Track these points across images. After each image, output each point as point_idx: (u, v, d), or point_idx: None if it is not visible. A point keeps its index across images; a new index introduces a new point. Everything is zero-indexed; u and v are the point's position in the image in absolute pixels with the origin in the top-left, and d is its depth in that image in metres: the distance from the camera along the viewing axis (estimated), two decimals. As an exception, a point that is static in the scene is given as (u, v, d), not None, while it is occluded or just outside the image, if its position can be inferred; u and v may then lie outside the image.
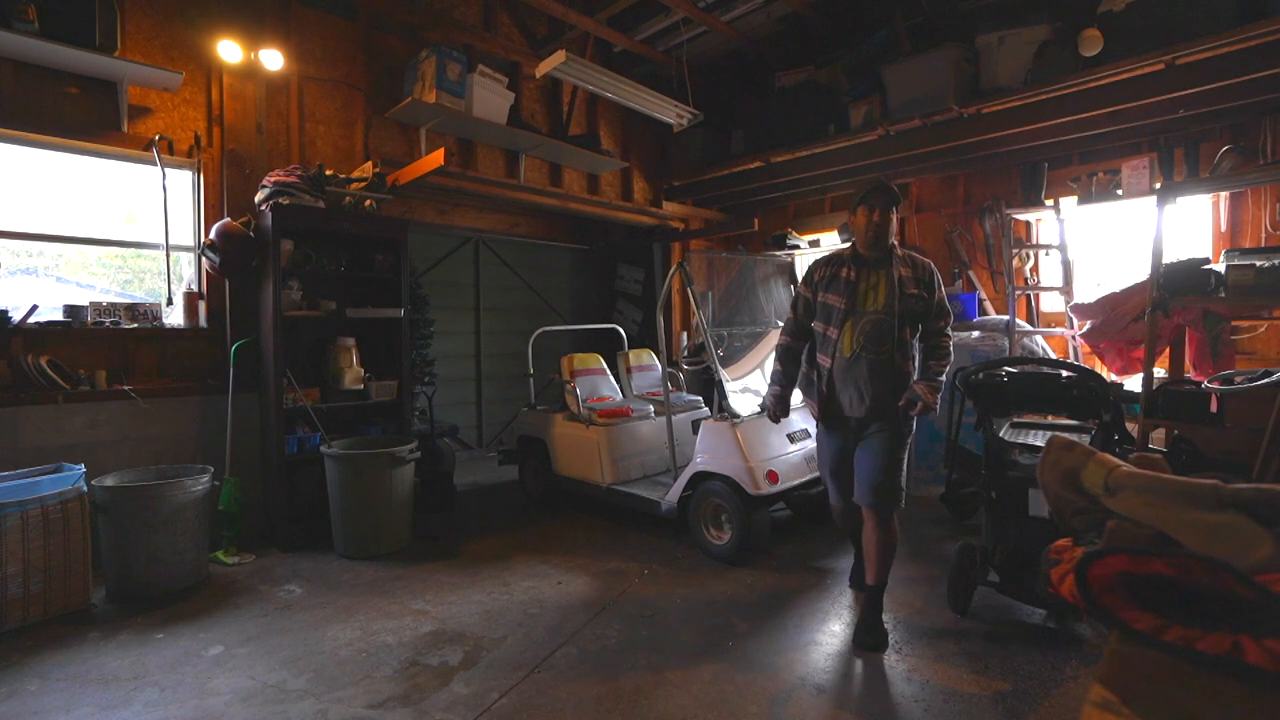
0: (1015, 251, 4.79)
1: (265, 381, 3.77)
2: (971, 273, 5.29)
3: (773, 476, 3.33)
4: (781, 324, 4.60)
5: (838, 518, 2.88)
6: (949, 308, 2.63)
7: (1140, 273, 3.85)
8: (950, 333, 2.61)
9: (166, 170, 3.75)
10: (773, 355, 2.92)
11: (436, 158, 4.01)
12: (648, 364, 5.06)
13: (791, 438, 3.64)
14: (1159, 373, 3.66)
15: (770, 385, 2.85)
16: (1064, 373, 2.88)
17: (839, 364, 2.58)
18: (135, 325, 3.63)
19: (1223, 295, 3.04)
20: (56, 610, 2.80)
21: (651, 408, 4.45)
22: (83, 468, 3.04)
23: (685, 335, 6.64)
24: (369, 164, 4.21)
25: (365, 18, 4.53)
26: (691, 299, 3.80)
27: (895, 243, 2.61)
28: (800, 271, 6.05)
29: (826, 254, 2.67)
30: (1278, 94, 3.68)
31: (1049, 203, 4.69)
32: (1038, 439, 3.12)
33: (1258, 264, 2.93)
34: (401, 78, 4.65)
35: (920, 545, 3.65)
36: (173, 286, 3.81)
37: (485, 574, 3.32)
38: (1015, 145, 4.70)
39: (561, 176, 5.76)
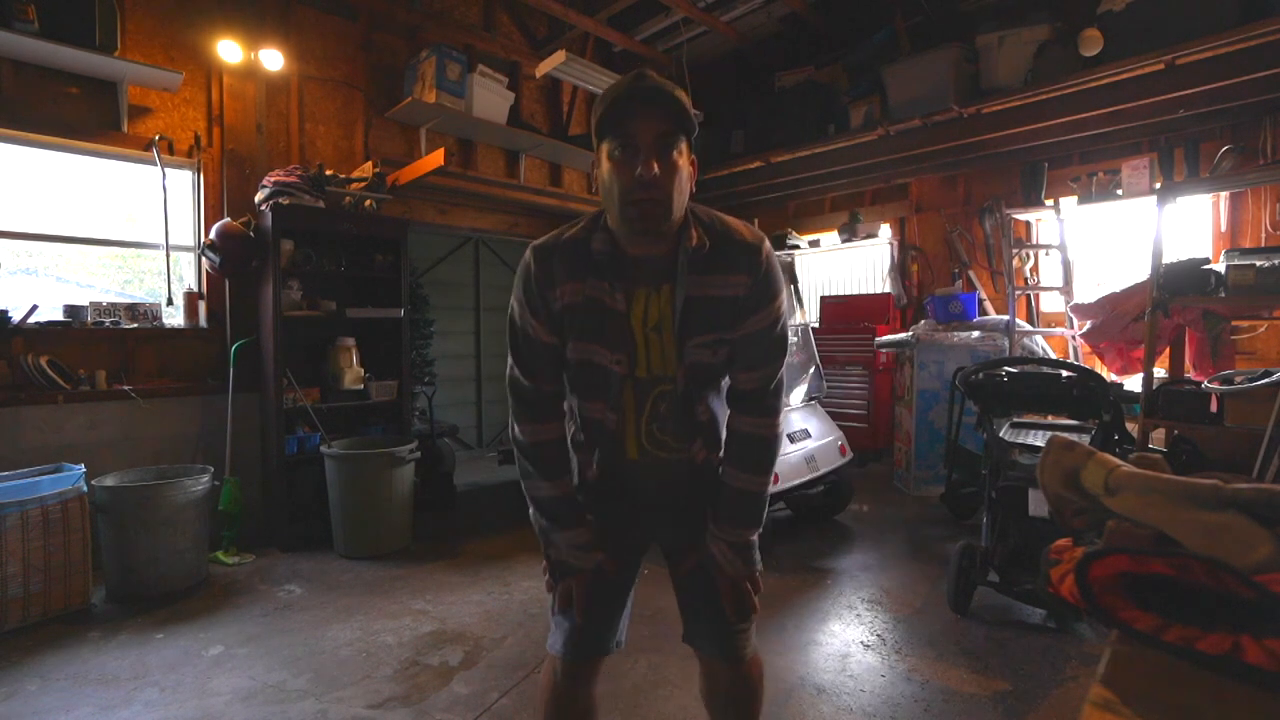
0: (1015, 251, 4.79)
1: (265, 381, 3.76)
2: (971, 273, 5.29)
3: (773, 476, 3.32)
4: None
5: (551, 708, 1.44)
6: (782, 335, 1.27)
7: (1140, 273, 3.84)
8: (777, 403, 1.30)
9: (166, 170, 3.75)
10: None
11: (436, 158, 4.01)
12: (648, 364, 5.04)
13: (791, 438, 3.64)
14: (1159, 373, 3.66)
15: (542, 537, 1.36)
16: (1064, 373, 2.88)
17: (618, 468, 1.35)
18: (135, 325, 3.63)
19: (1223, 295, 3.04)
20: (56, 610, 2.80)
21: (651, 408, 4.43)
22: (83, 468, 3.04)
23: (685, 335, 6.63)
24: (369, 164, 4.21)
25: (365, 18, 4.53)
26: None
27: (692, 214, 1.22)
28: (801, 272, 6.10)
29: (551, 239, 1.26)
30: (1278, 94, 3.68)
31: (1049, 203, 4.69)
32: (1038, 439, 3.12)
33: (1258, 264, 2.93)
34: (401, 78, 4.65)
35: (920, 545, 3.65)
36: (173, 286, 3.81)
37: (485, 574, 3.32)
38: (1015, 145, 4.71)
39: (561, 176, 5.77)
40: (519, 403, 1.30)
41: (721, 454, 1.37)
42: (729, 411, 1.35)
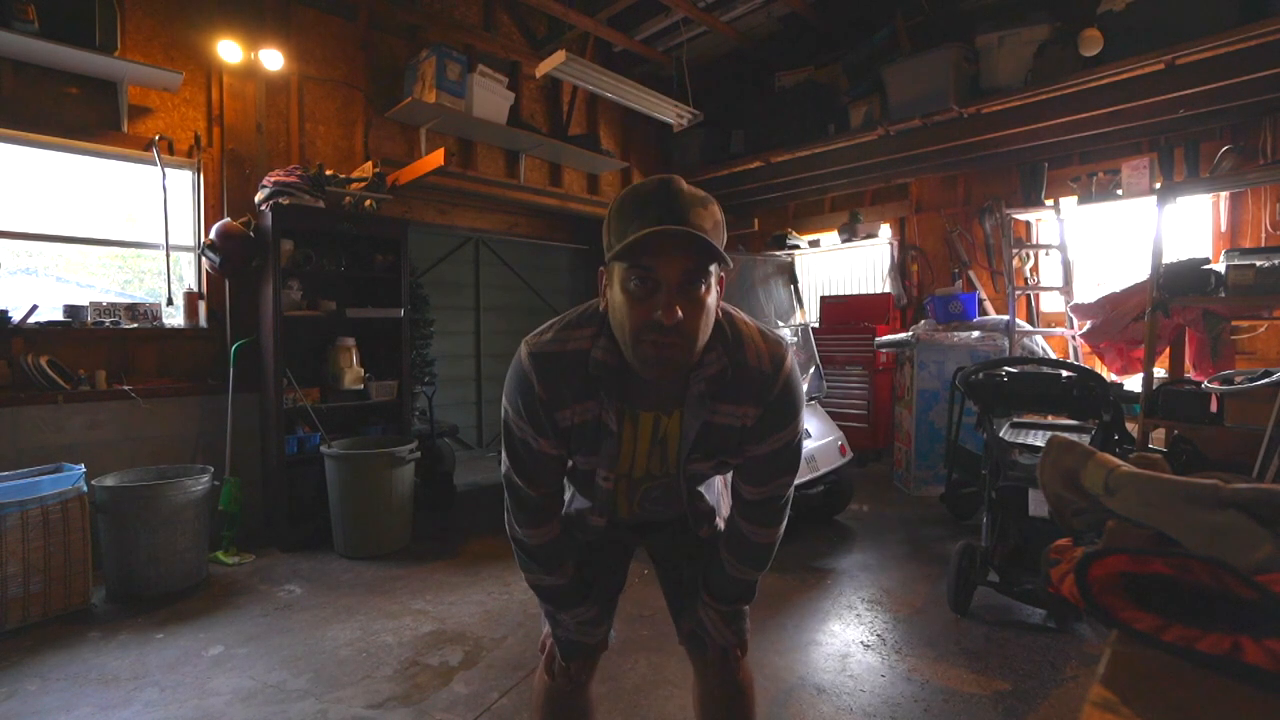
0: (1015, 251, 4.79)
1: (265, 381, 3.76)
2: (971, 273, 5.30)
3: None
4: (780, 325, 4.62)
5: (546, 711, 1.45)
6: (793, 453, 1.24)
7: (1140, 273, 3.85)
8: (784, 514, 1.30)
9: (166, 170, 3.75)
10: None
11: (436, 158, 4.01)
12: (648, 364, 5.03)
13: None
14: (1159, 373, 3.66)
15: (548, 618, 1.39)
16: (1064, 373, 2.88)
17: (610, 520, 1.37)
18: (135, 325, 3.63)
19: (1223, 295, 3.04)
20: (56, 610, 2.80)
21: (651, 408, 4.42)
22: (83, 468, 3.03)
23: (685, 335, 6.62)
24: (369, 164, 4.21)
25: (365, 18, 4.53)
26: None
27: (717, 330, 1.10)
28: (801, 272, 6.10)
29: (554, 345, 1.12)
30: (1278, 94, 3.68)
31: (1049, 203, 4.70)
32: (1038, 439, 3.12)
33: (1258, 264, 2.93)
34: (401, 78, 4.65)
35: (920, 545, 3.65)
36: (173, 286, 3.81)
37: (485, 574, 3.32)
38: (1015, 145, 4.71)
39: (561, 176, 5.77)
40: (518, 507, 1.24)
41: (719, 524, 1.38)
42: (731, 504, 1.32)
